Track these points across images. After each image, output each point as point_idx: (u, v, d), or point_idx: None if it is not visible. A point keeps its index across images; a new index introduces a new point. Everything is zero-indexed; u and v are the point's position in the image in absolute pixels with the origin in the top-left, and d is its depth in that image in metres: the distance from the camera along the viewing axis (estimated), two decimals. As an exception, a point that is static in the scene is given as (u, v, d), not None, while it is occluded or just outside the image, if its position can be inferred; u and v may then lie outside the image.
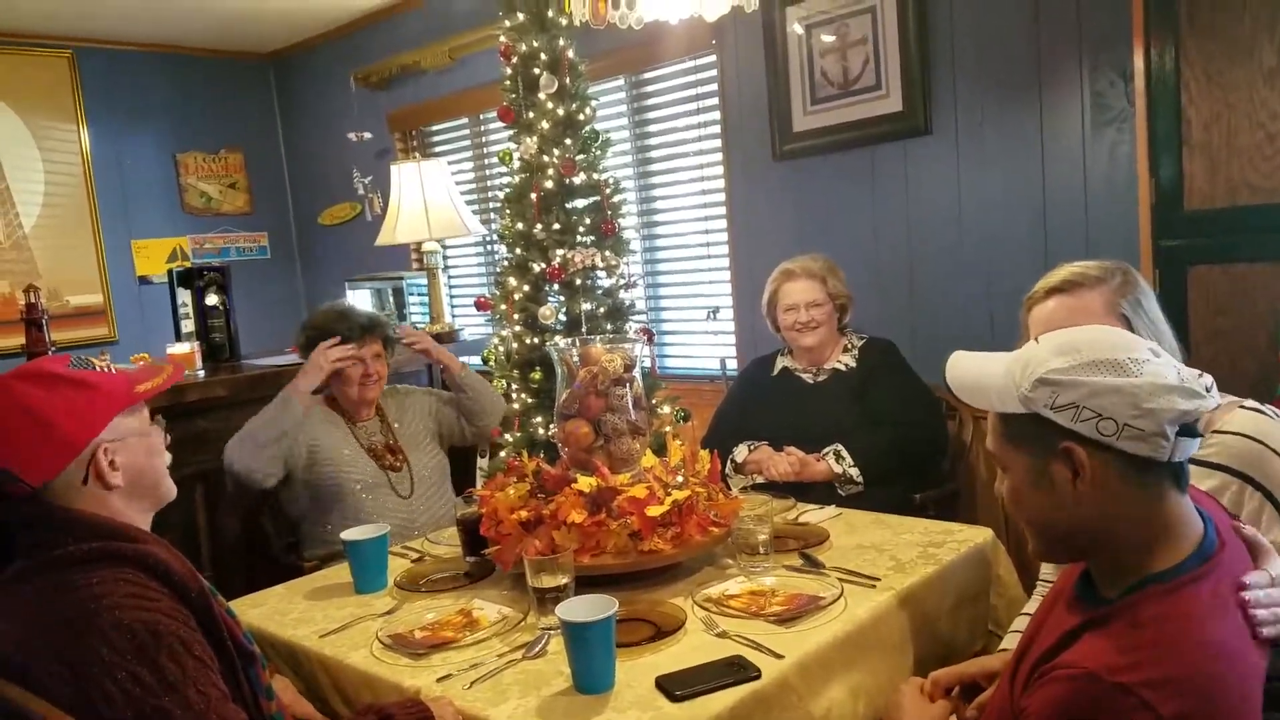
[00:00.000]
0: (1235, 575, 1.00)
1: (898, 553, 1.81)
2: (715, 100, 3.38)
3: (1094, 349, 0.99)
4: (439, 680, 1.42)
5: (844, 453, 2.42)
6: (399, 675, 1.46)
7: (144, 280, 4.72)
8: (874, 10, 2.88)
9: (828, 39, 2.99)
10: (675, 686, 1.32)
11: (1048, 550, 1.08)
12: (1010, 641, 1.55)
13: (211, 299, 3.36)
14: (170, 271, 3.57)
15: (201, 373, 3.07)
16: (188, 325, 3.41)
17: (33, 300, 2.90)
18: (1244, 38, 1.96)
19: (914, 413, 2.52)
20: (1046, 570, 1.64)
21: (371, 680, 1.48)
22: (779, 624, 1.51)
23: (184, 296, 3.42)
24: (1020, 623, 1.60)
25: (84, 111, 4.52)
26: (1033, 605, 1.61)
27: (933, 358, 2.71)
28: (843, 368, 2.62)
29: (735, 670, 1.35)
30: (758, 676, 1.34)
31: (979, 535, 1.87)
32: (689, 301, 3.67)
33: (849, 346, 2.66)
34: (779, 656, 1.40)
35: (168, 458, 1.34)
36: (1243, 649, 0.96)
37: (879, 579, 1.68)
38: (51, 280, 4.35)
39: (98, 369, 1.29)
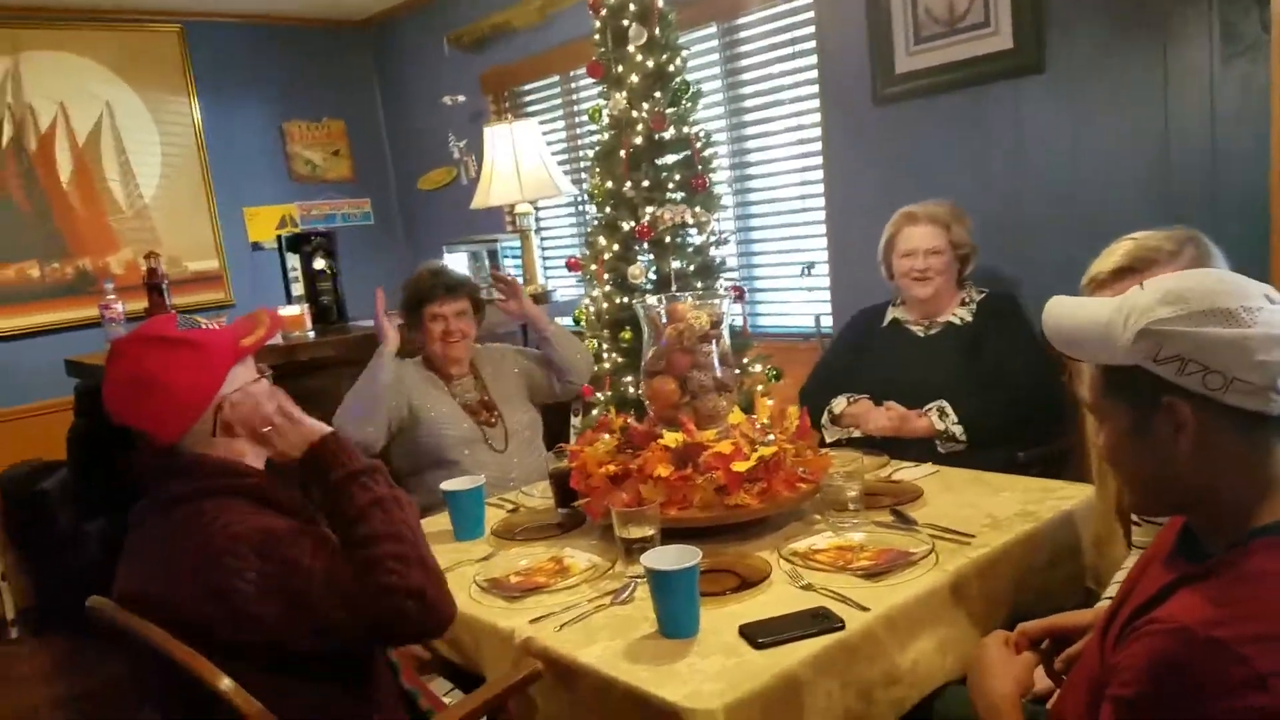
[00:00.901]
0: None
1: (995, 510, 1.75)
2: (811, 45, 3.27)
3: (1204, 297, 0.93)
4: (532, 621, 1.46)
5: (948, 410, 2.34)
6: (494, 616, 1.52)
7: (256, 246, 4.93)
8: (982, -60, 2.72)
9: (932, -25, 2.85)
10: (759, 634, 1.32)
11: (1145, 504, 1.05)
12: (1107, 598, 1.49)
13: (319, 263, 3.49)
14: (279, 237, 3.72)
15: (312, 334, 3.19)
16: (297, 289, 3.55)
17: (153, 266, 3.07)
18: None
19: (1030, 374, 2.39)
20: (1139, 533, 1.56)
21: (469, 621, 1.54)
22: (866, 578, 1.49)
23: (293, 261, 3.56)
24: (1119, 579, 1.54)
25: (194, 84, 4.72)
26: (1131, 562, 1.54)
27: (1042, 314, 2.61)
28: (957, 321, 2.52)
29: (819, 620, 1.35)
30: (841, 627, 1.34)
31: (1081, 493, 1.80)
32: (783, 258, 3.59)
33: (967, 300, 2.55)
34: (865, 609, 1.38)
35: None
36: None
37: (973, 536, 1.63)
38: (171, 248, 4.58)
39: (203, 326, 1.37)
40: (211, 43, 4.77)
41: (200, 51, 4.74)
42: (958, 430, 2.31)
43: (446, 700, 1.59)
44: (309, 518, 1.34)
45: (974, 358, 2.44)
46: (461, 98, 4.60)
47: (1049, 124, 2.68)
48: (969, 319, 2.51)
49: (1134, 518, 1.54)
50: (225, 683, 1.16)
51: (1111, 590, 1.52)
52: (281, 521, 1.28)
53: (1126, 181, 2.54)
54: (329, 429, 1.36)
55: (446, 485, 1.95)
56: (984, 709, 1.16)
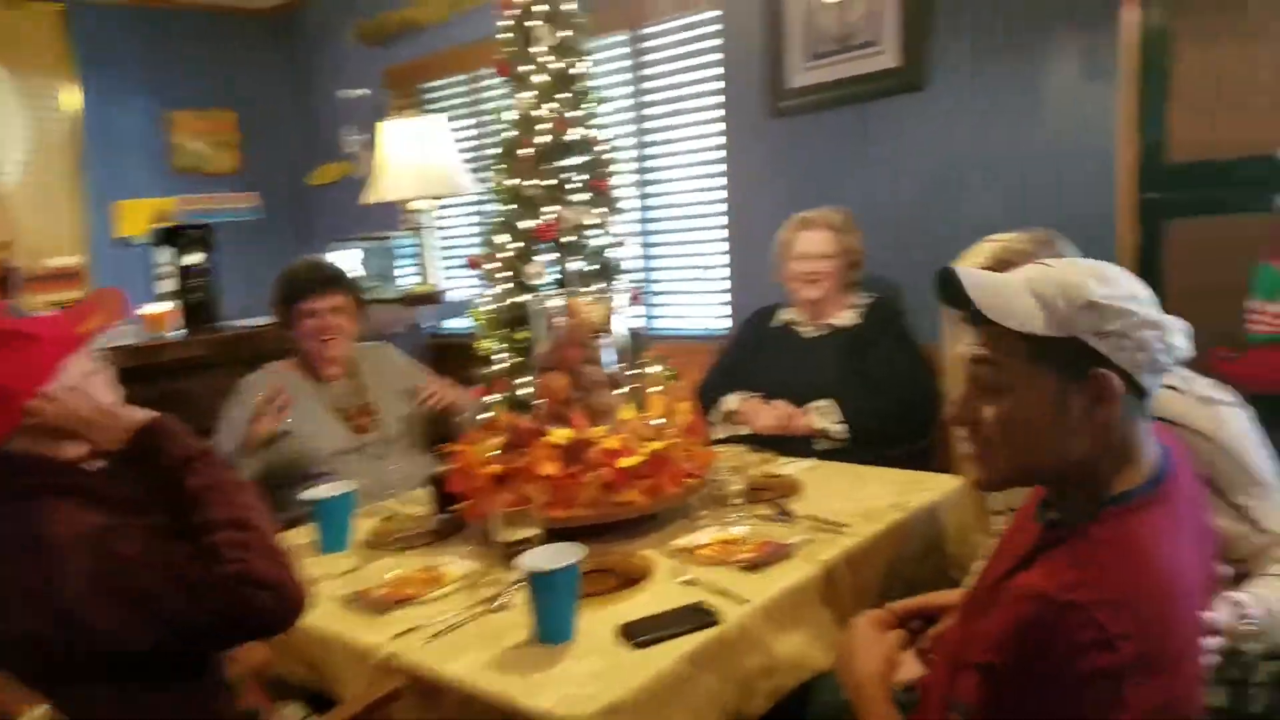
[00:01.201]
0: (1187, 503, 1.02)
1: (869, 502, 1.82)
2: (717, 56, 3.33)
3: (1126, 282, 0.99)
4: (397, 636, 1.41)
5: (830, 409, 2.42)
6: (355, 632, 1.45)
7: (125, 241, 4.65)
8: (871, -36, 2.82)
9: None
10: (636, 633, 1.33)
11: (1021, 476, 1.05)
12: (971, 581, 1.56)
13: (191, 258, 3.31)
14: (152, 231, 3.52)
15: (182, 333, 3.05)
16: (166, 285, 3.36)
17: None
18: (1233, -8, 1.93)
19: (908, 379, 2.51)
20: (1003, 520, 1.65)
21: (328, 640, 1.47)
22: (747, 570, 1.53)
23: (164, 256, 3.36)
24: (979, 568, 1.62)
25: (74, 67, 4.47)
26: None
27: (925, 317, 2.72)
28: (844, 324, 2.62)
29: (696, 616, 1.37)
30: (716, 622, 1.36)
31: (948, 484, 1.90)
32: (685, 261, 3.64)
33: (855, 304, 2.65)
34: (744, 601, 1.42)
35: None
36: (1190, 575, 0.98)
37: (847, 526, 1.69)
38: (32, 240, 4.27)
39: (33, 314, 1.29)
40: (95, 25, 4.50)
41: (82, 33, 4.47)
42: (839, 429, 2.40)
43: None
44: (145, 511, 1.25)
45: (859, 359, 2.54)
46: (364, 91, 4.50)
47: (929, 138, 2.81)
48: (856, 322, 2.61)
49: (996, 509, 1.62)
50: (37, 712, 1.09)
51: (973, 577, 1.60)
52: (112, 518, 1.20)
53: (998, 193, 2.68)
54: (154, 414, 1.29)
55: (310, 493, 1.83)
56: (851, 688, 1.19)
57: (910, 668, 1.36)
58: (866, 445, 2.36)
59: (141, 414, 1.29)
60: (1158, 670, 0.91)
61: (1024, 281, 1.00)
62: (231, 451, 2.23)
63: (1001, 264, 1.48)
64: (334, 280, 2.43)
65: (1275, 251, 1.92)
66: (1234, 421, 1.32)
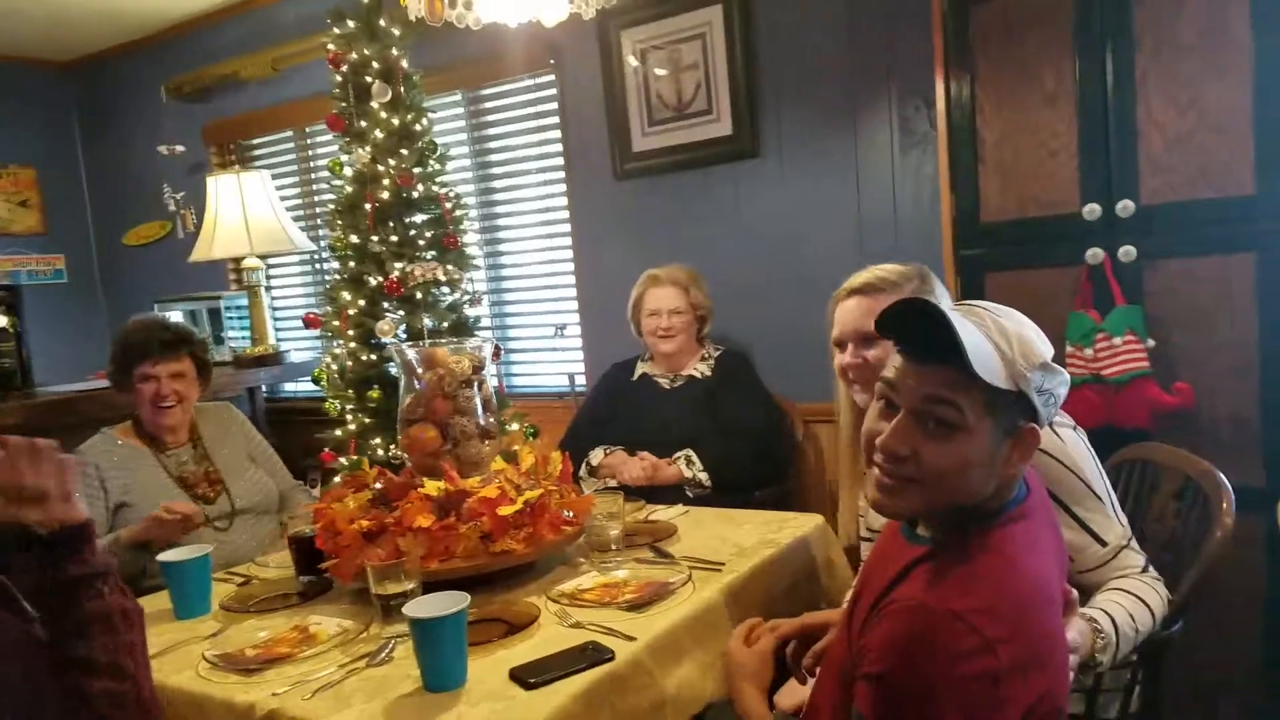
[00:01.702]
0: (1042, 519, 1.12)
1: (740, 540, 1.89)
2: (555, 119, 3.42)
3: (1048, 341, 1.08)
4: (275, 695, 1.34)
5: (694, 458, 2.50)
6: (229, 692, 1.37)
7: (-84, 306, 4.21)
8: (704, 36, 3.01)
9: (661, 64, 3.10)
10: (529, 675, 1.31)
11: (928, 510, 1.08)
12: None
13: (-1, 321, 3.06)
14: (-47, 296, 3.22)
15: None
16: (-28, 351, 3.08)
17: None
18: (1029, 63, 2.19)
19: (762, 423, 2.66)
20: (867, 552, 1.75)
21: (200, 700, 1.38)
22: (631, 610, 1.54)
23: (-32, 322, 3.09)
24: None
25: None
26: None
27: (769, 369, 2.87)
28: (698, 375, 2.72)
29: (589, 654, 1.37)
30: (612, 657, 1.36)
31: (811, 522, 2.00)
32: (535, 319, 3.66)
33: (706, 356, 2.76)
34: (631, 639, 1.42)
35: None
36: (1052, 581, 1.07)
37: (724, 564, 1.74)
38: None
39: None
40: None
41: None
42: (703, 476, 2.47)
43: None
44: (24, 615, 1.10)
45: (714, 408, 2.64)
46: (180, 148, 4.28)
47: (764, 201, 3.00)
48: (709, 373, 2.72)
49: (867, 530, 1.72)
50: None
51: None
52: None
53: (828, 252, 2.89)
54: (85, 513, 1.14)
55: (164, 556, 1.73)
56: (740, 710, 1.26)
57: (799, 692, 1.42)
58: (730, 490, 2.45)
59: (77, 508, 1.13)
60: (1032, 669, 0.98)
61: (985, 332, 1.04)
62: None
63: (869, 289, 1.62)
64: (176, 343, 2.27)
65: (1084, 301, 2.16)
66: (1075, 443, 1.46)
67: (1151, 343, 2.10)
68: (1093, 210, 2.14)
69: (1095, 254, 2.14)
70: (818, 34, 2.84)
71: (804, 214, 2.93)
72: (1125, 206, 2.11)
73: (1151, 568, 1.44)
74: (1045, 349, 1.06)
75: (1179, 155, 2.07)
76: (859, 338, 1.62)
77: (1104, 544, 1.42)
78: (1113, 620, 1.31)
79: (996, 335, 1.04)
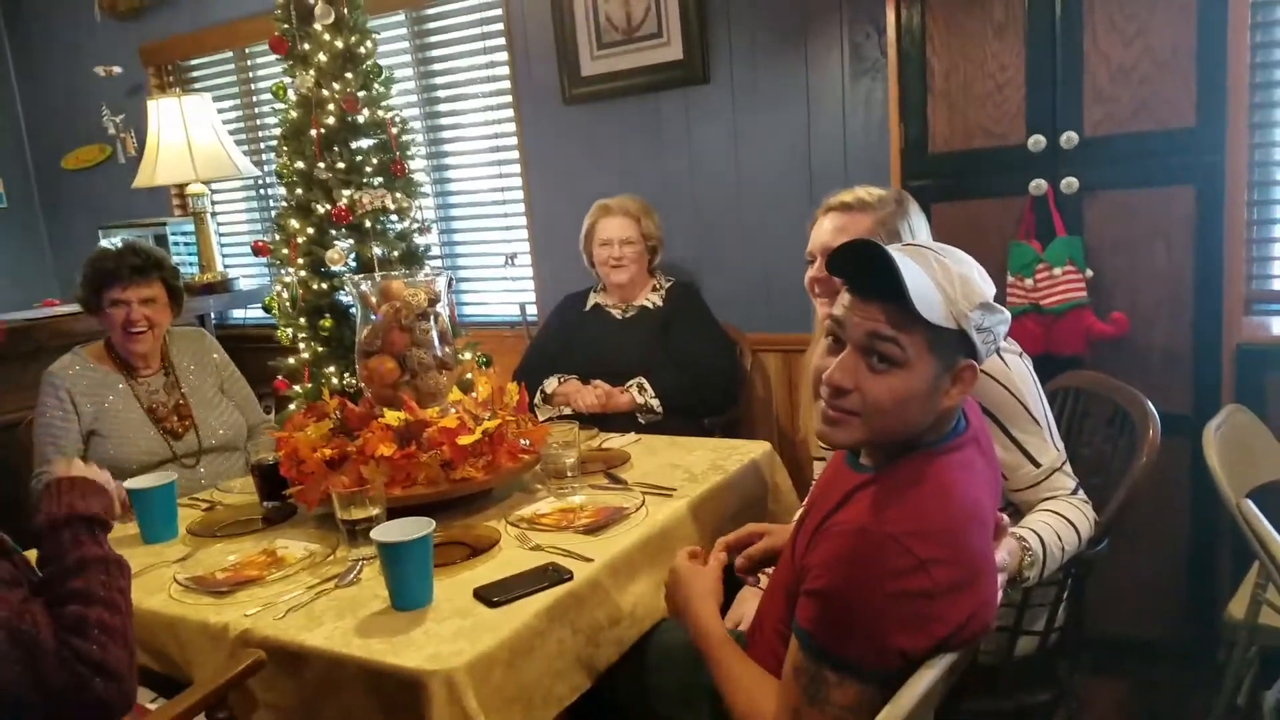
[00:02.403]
0: (978, 449, 1.18)
1: (691, 467, 1.95)
2: (502, 41, 3.35)
3: (990, 281, 1.12)
4: (247, 615, 1.39)
5: (646, 385, 2.55)
6: (203, 614, 1.42)
7: None
8: (654, -44, 2.95)
9: (611, -14, 3.04)
10: (493, 594, 1.37)
11: (870, 440, 1.13)
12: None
13: (-64, 248, 2.97)
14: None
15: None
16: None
17: None
18: (978, -5, 2.22)
19: (712, 353, 2.70)
20: (819, 471, 1.83)
21: (173, 621, 1.43)
22: (588, 533, 1.60)
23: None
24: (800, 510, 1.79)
25: None
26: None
27: (718, 297, 2.92)
28: (650, 306, 2.76)
29: (549, 575, 1.43)
30: (570, 578, 1.43)
31: (759, 449, 2.07)
32: (485, 248, 3.64)
33: (657, 286, 2.80)
34: (589, 560, 1.49)
35: None
36: (984, 507, 1.14)
37: (675, 489, 1.81)
38: None
39: None
40: None
41: None
42: (655, 403, 2.53)
43: (151, 708, 1.47)
44: None
45: (665, 338, 2.69)
46: (118, 69, 4.12)
47: (714, 128, 3.00)
48: (660, 304, 2.76)
49: (820, 450, 1.80)
50: None
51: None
52: None
53: (778, 180, 2.92)
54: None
55: (130, 483, 1.76)
56: (690, 624, 1.32)
57: (753, 607, 1.50)
58: (681, 416, 2.52)
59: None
60: (964, 588, 1.06)
61: (930, 272, 1.08)
62: (48, 452, 2.14)
63: (845, 206, 1.65)
64: (146, 268, 2.24)
65: (1026, 232, 2.23)
66: (1019, 368, 1.52)
67: (1090, 273, 2.18)
68: (1037, 141, 2.20)
69: (1039, 185, 2.20)
70: (771, -44, 2.81)
71: (754, 142, 2.94)
72: (1069, 138, 2.17)
73: (1081, 490, 1.53)
74: (987, 288, 1.11)
75: (1123, 87, 2.12)
76: (828, 253, 1.64)
77: (1038, 465, 1.50)
78: (1040, 539, 1.40)
79: (940, 275, 1.09)
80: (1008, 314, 1.14)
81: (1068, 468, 1.54)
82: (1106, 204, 2.18)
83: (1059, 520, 1.45)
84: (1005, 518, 1.26)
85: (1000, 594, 1.20)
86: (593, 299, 2.85)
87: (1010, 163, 2.24)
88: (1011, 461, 1.49)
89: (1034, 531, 1.41)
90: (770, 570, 1.43)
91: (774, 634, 1.24)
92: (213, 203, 3.95)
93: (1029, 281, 2.22)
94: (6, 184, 4.61)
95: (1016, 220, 2.26)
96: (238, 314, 4.17)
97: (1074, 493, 1.52)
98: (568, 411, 2.56)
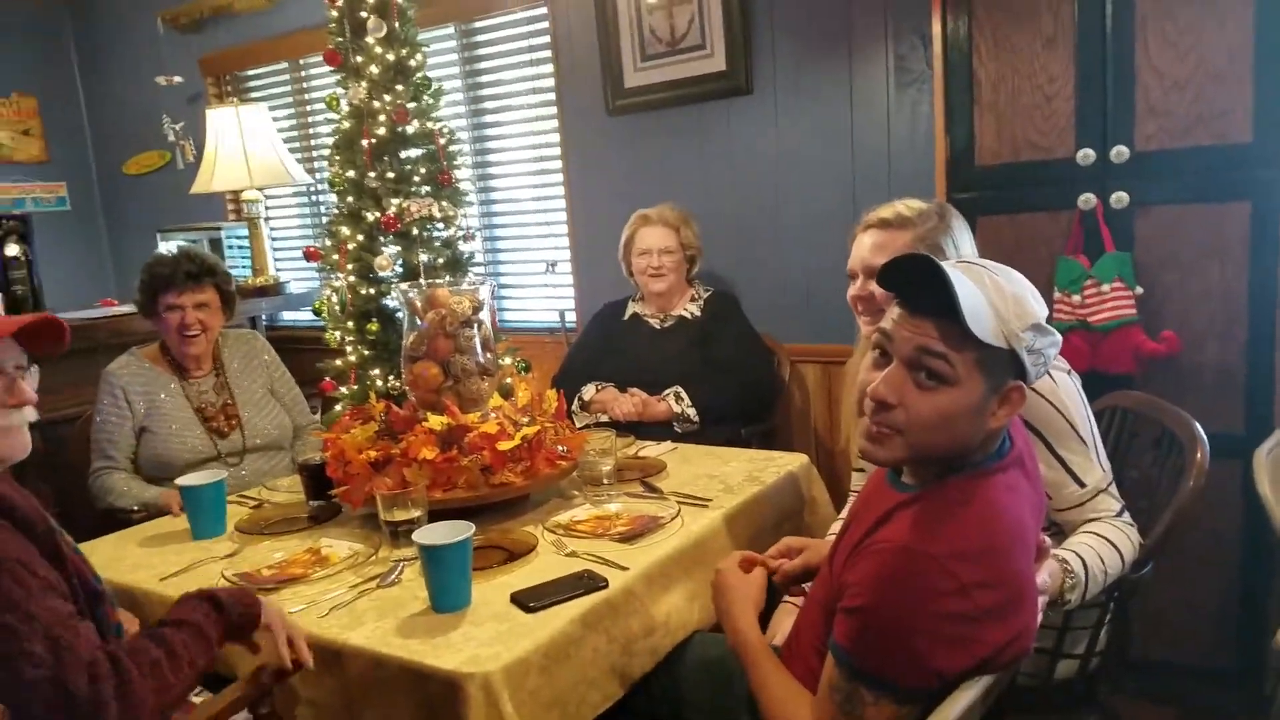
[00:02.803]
0: (1023, 471, 1.16)
1: (727, 478, 1.95)
2: (548, 53, 3.39)
3: (1044, 302, 1.11)
4: (292, 613, 1.42)
5: (683, 394, 2.56)
6: (250, 610, 1.45)
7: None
8: (699, -31, 2.97)
9: (655, -1, 3.07)
10: (529, 599, 1.39)
11: (911, 458, 1.12)
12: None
13: (11, 249, 3.11)
14: (-37, 223, 3.25)
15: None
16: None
17: None
18: (1027, 6, 2.18)
19: (749, 363, 2.71)
20: (857, 482, 1.83)
21: (220, 618, 1.47)
22: (623, 542, 1.61)
23: (-18, 247, 3.13)
24: (837, 527, 1.77)
25: None
26: (847, 513, 1.79)
27: (757, 307, 2.92)
28: (688, 315, 2.77)
29: (585, 582, 1.44)
30: (606, 585, 1.44)
31: (795, 461, 2.06)
32: (527, 255, 3.69)
33: (695, 296, 2.81)
34: (624, 569, 1.50)
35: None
36: (1027, 530, 1.12)
37: (711, 500, 1.81)
38: None
39: None
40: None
41: None
42: (692, 412, 2.54)
43: (196, 702, 1.51)
44: (48, 527, 1.19)
45: (703, 348, 2.70)
46: (178, 79, 4.25)
47: (757, 139, 3.00)
48: (698, 314, 2.77)
49: (858, 465, 1.79)
50: None
51: (836, 529, 1.76)
52: (14, 543, 1.12)
53: (820, 191, 2.91)
54: None
55: (183, 480, 1.83)
56: (730, 633, 1.32)
57: (790, 624, 1.50)
58: (718, 426, 2.52)
59: None
60: (1005, 612, 1.05)
61: (983, 290, 1.07)
62: (105, 448, 2.23)
63: (885, 223, 1.62)
64: (200, 274, 2.33)
65: (1074, 247, 2.20)
66: (1066, 385, 1.50)
67: (1139, 290, 2.14)
68: (1087, 155, 2.16)
69: (1087, 199, 2.17)
70: (815, -33, 2.82)
71: (797, 152, 2.94)
72: (1120, 152, 2.13)
73: (1127, 513, 1.50)
74: (1039, 309, 1.09)
75: (1177, 101, 2.08)
76: (869, 271, 1.62)
77: (1082, 485, 1.47)
78: (1083, 562, 1.37)
79: (993, 294, 1.07)
80: (1058, 336, 1.12)
81: (1113, 489, 1.51)
82: (1158, 220, 2.14)
83: (1102, 543, 1.43)
84: (1047, 540, 1.25)
85: (1040, 617, 1.19)
86: (631, 308, 2.87)
87: (1058, 176, 2.21)
88: (1056, 480, 1.47)
89: (1076, 554, 1.39)
90: (808, 585, 1.43)
91: (810, 649, 1.24)
92: (266, 208, 4.05)
93: (1076, 298, 2.18)
94: (70, 188, 4.77)
95: (1064, 235, 2.23)
96: (288, 316, 4.26)
97: (1119, 515, 1.49)
98: (605, 419, 2.58)
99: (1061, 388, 1.49)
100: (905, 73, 2.72)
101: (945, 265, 1.07)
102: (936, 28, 2.31)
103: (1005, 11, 2.22)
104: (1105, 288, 2.16)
